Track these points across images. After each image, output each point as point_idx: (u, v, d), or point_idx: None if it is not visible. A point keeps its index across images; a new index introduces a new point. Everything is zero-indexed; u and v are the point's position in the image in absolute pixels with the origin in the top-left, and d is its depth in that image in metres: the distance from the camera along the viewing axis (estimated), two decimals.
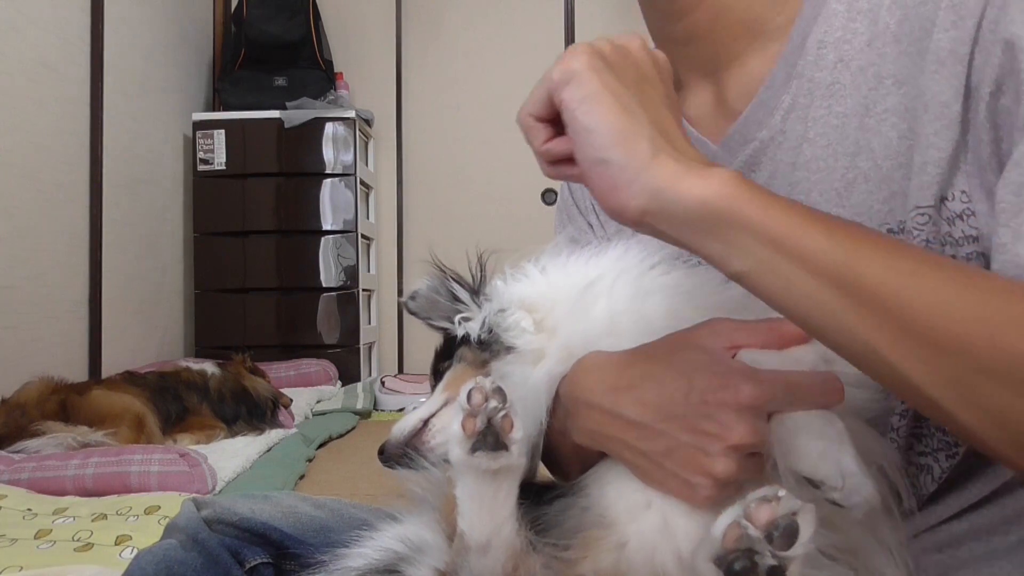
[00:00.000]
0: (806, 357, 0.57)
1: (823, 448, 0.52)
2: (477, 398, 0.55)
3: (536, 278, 0.73)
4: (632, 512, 0.60)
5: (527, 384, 0.66)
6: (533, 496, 0.63)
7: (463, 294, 0.75)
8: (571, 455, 0.68)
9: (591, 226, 0.88)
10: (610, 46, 0.56)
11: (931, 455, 0.64)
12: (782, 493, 0.47)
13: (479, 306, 0.74)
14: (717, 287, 0.66)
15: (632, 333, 0.64)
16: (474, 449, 0.55)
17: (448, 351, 0.75)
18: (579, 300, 0.69)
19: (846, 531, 0.58)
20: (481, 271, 0.76)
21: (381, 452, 0.73)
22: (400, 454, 0.71)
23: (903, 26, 0.61)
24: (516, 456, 0.56)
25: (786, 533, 0.46)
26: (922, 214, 0.59)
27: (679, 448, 0.57)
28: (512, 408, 0.56)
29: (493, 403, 0.55)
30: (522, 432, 0.56)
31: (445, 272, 0.77)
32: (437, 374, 0.77)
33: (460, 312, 0.74)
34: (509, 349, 0.69)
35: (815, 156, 0.65)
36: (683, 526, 0.58)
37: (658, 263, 0.69)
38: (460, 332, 0.73)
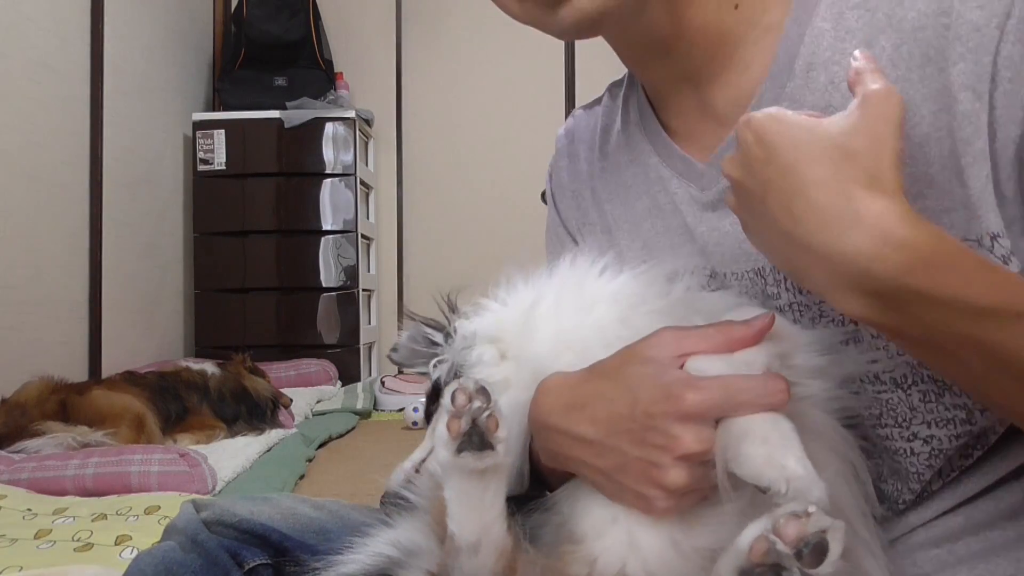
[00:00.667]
0: (756, 359, 0.57)
1: (767, 453, 0.52)
2: (461, 399, 0.55)
3: (495, 309, 0.73)
4: (599, 528, 0.60)
5: None
6: (515, 509, 0.63)
7: (437, 337, 0.76)
8: (549, 477, 0.68)
9: (577, 244, 0.87)
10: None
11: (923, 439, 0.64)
12: (812, 509, 0.46)
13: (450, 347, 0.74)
14: (663, 287, 0.66)
15: (586, 346, 0.64)
16: (460, 450, 0.55)
17: (436, 394, 0.75)
18: (526, 323, 0.69)
19: None
20: (452, 311, 0.77)
21: (382, 500, 0.74)
22: (399, 499, 0.72)
23: (900, 51, 0.60)
24: (502, 455, 0.56)
25: (816, 550, 0.45)
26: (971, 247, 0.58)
27: (630, 462, 0.57)
28: (496, 407, 0.55)
29: (477, 403, 0.55)
30: (507, 431, 0.56)
31: (416, 319, 0.78)
32: (429, 416, 0.77)
33: (436, 356, 0.75)
34: None
35: None
36: (648, 540, 0.58)
37: (604, 269, 0.69)
38: (434, 376, 0.74)
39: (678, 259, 0.74)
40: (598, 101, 0.88)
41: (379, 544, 0.64)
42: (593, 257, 0.70)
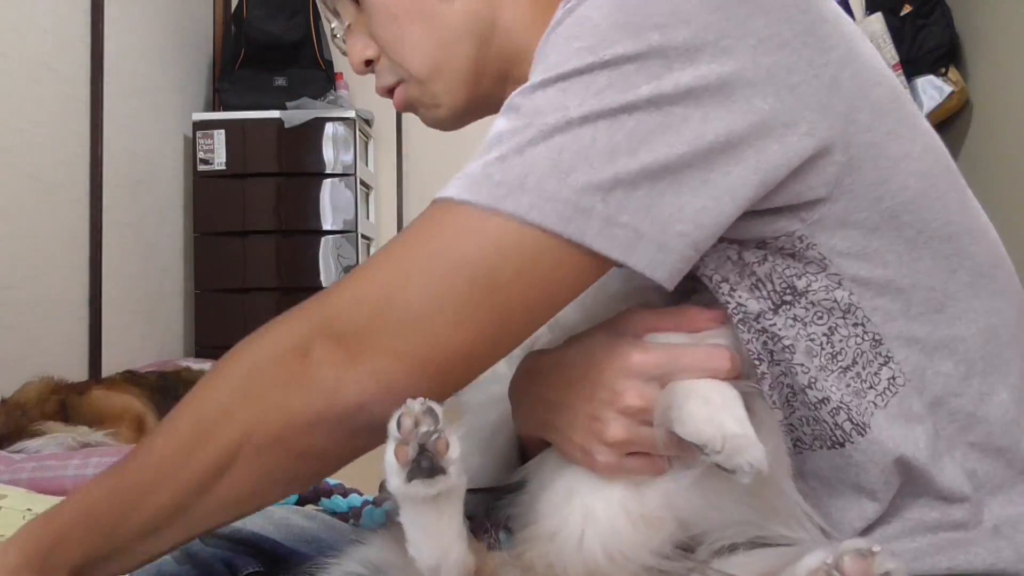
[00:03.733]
0: (719, 341, 0.60)
1: (706, 412, 0.54)
2: (407, 423, 0.53)
3: None
4: (557, 502, 0.62)
5: (477, 410, 0.71)
6: (491, 492, 0.66)
7: None
8: (528, 451, 0.71)
9: None
10: None
11: None
12: (877, 548, 0.47)
13: None
14: (628, 277, 0.68)
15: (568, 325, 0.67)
16: (410, 477, 0.54)
17: None
18: None
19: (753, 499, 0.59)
20: None
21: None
22: None
23: None
24: (455, 477, 0.54)
25: None
26: None
27: (579, 418, 0.61)
28: (445, 428, 0.54)
29: (424, 427, 0.53)
30: (459, 451, 0.54)
31: None
32: None
33: None
34: None
35: None
36: (600, 508, 0.60)
37: None
38: None
39: None
40: None
41: (349, 563, 0.64)
42: None
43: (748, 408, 0.58)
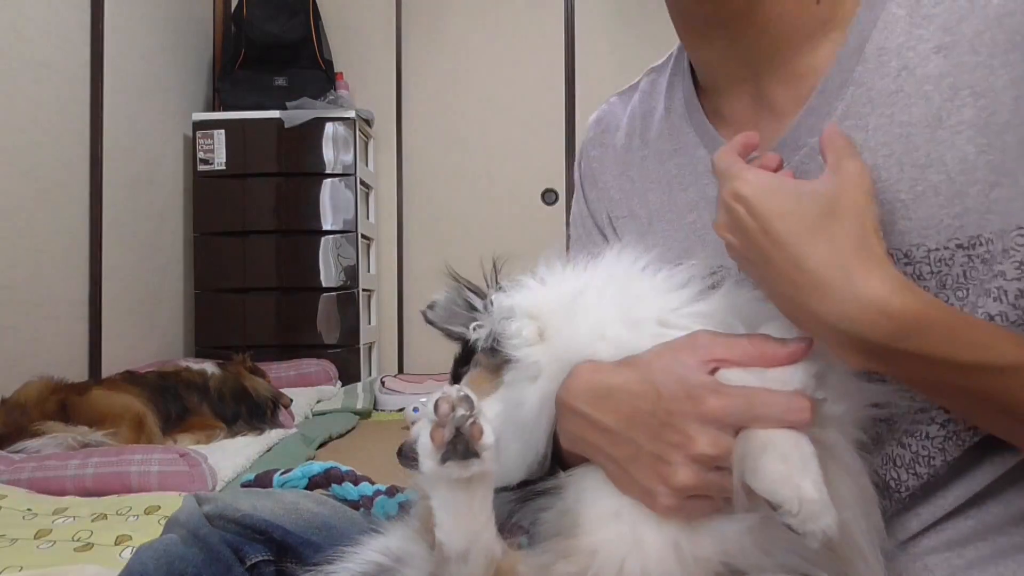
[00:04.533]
0: (792, 379, 0.56)
1: (784, 471, 0.52)
2: (444, 408, 0.55)
3: (533, 286, 0.72)
4: (602, 520, 0.60)
5: (523, 405, 0.67)
6: (518, 492, 0.64)
7: (478, 303, 0.74)
8: (568, 460, 0.68)
9: (606, 239, 0.87)
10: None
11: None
12: None
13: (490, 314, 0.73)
14: (703, 292, 0.66)
15: (622, 341, 0.64)
16: (444, 459, 0.55)
17: (466, 357, 0.75)
18: (569, 309, 0.68)
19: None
20: (496, 280, 0.76)
21: (399, 453, 0.73)
22: (415, 456, 0.72)
23: (982, 37, 0.60)
24: (488, 462, 0.56)
25: None
26: (1022, 235, 0.58)
27: (643, 455, 0.58)
28: (481, 414, 0.55)
29: (461, 411, 0.55)
30: (493, 438, 0.56)
31: (459, 282, 0.76)
32: (456, 378, 0.77)
33: (475, 320, 0.74)
34: (511, 359, 0.68)
35: (876, 166, 0.63)
36: (651, 539, 0.58)
37: (647, 265, 0.69)
38: (474, 338, 0.73)
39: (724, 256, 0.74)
40: (635, 87, 0.87)
41: (369, 552, 0.64)
42: (638, 253, 0.70)
43: (833, 458, 0.56)
